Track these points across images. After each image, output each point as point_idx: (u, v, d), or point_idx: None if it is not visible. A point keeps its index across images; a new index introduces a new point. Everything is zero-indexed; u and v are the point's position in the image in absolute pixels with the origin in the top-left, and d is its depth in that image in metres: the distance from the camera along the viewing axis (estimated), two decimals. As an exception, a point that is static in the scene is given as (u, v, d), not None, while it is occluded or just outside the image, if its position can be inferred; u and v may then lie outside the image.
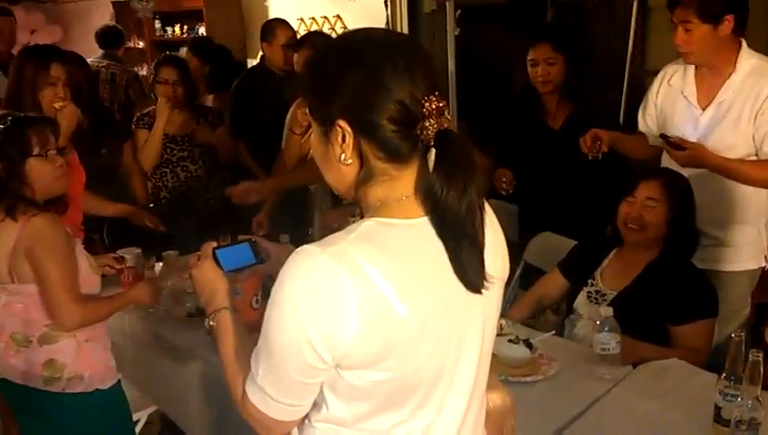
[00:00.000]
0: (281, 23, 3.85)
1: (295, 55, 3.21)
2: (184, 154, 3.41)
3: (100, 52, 4.94)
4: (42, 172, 1.88)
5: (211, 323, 1.16)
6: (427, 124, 0.93)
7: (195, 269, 1.22)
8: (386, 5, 4.79)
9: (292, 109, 2.99)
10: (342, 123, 0.95)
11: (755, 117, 2.24)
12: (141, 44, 6.31)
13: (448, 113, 0.96)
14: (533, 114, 3.01)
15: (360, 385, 0.97)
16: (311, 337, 0.91)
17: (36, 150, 1.86)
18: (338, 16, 5.45)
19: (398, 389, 0.99)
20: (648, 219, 2.16)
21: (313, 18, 5.55)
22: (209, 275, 1.20)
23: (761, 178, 2.28)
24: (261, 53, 3.95)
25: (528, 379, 1.86)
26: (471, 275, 0.98)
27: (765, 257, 2.47)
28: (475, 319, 1.04)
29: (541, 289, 2.46)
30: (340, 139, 0.96)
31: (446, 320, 0.99)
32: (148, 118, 3.38)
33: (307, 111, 1.04)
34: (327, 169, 1.03)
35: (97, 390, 2.00)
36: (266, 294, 1.17)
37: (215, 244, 1.25)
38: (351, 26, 4.93)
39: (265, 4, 5.83)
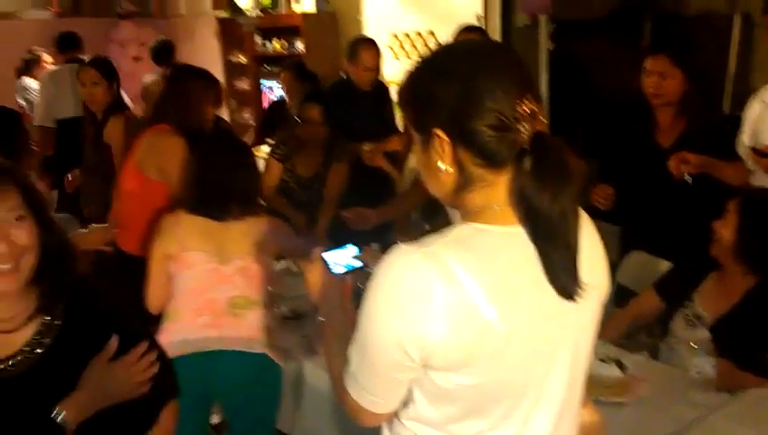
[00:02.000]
0: (366, 46, 3.83)
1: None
2: (303, 199, 3.39)
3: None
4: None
5: (322, 319, 1.25)
6: (522, 128, 0.95)
7: (308, 273, 1.31)
8: (478, 20, 4.81)
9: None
10: (439, 132, 0.99)
11: None
12: (243, 59, 6.59)
13: (543, 116, 0.98)
14: (643, 129, 2.85)
15: (445, 387, 0.99)
16: (399, 334, 0.95)
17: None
18: (431, 32, 5.52)
19: (484, 395, 1.00)
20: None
21: (407, 34, 5.65)
22: (321, 277, 1.29)
23: None
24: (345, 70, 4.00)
25: (618, 399, 1.84)
26: (564, 280, 0.98)
27: None
28: (568, 331, 1.04)
29: (635, 309, 2.42)
30: (438, 147, 1.00)
31: (537, 330, 0.99)
32: (281, 150, 3.42)
33: (406, 121, 1.08)
34: (428, 177, 1.07)
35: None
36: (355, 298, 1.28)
37: (323, 248, 1.34)
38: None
39: (359, 18, 5.98)
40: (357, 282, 1.37)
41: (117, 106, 3.70)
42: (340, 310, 1.23)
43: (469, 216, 1.02)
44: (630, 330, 2.40)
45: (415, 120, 1.05)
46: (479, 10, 4.70)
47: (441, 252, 0.95)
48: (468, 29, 3.45)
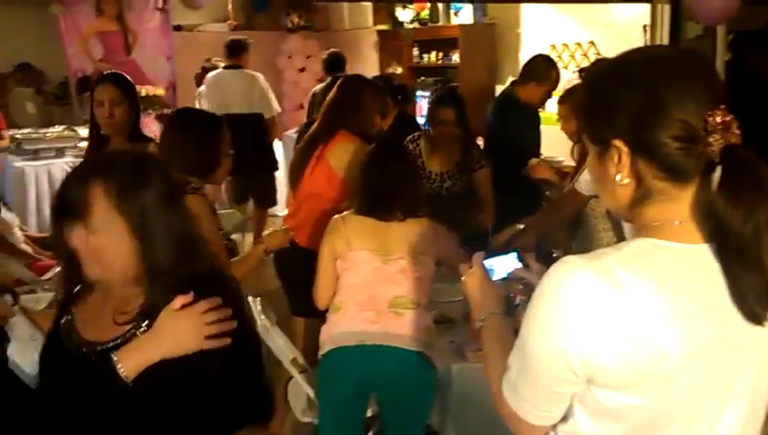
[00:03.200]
0: (557, 70, 3.83)
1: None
2: (435, 195, 3.34)
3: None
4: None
5: (480, 324, 1.24)
6: (712, 140, 0.89)
7: (467, 277, 1.31)
8: (644, 30, 4.61)
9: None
10: (618, 143, 0.94)
11: None
12: (400, 70, 6.77)
13: (737, 128, 0.90)
14: None
15: (610, 405, 0.94)
16: (565, 350, 0.91)
17: None
18: (592, 42, 5.37)
19: (651, 419, 0.94)
20: None
21: (566, 45, 5.54)
22: (480, 283, 1.29)
23: None
24: (514, 81, 3.98)
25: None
26: (753, 303, 0.90)
27: None
28: (751, 361, 0.96)
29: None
30: (615, 159, 0.95)
31: (716, 356, 0.93)
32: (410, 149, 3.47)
33: (583, 133, 1.04)
34: (602, 190, 1.03)
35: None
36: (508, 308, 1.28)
37: (483, 254, 1.34)
38: (606, 53, 4.84)
39: (518, 31, 5.95)
40: (510, 289, 1.38)
41: (140, 135, 3.00)
42: (498, 317, 1.23)
43: (646, 230, 0.96)
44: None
45: (592, 129, 1.01)
46: (646, 20, 4.50)
47: (615, 266, 0.90)
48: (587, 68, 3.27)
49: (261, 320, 2.55)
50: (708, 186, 0.91)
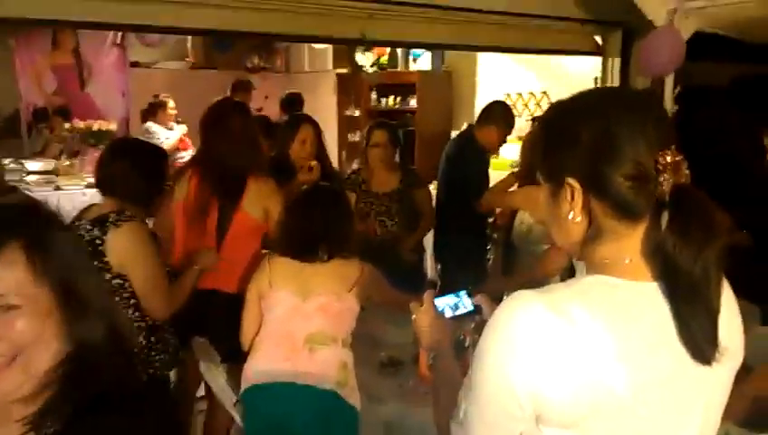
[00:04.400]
0: (513, 117, 3.94)
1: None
2: (382, 209, 3.55)
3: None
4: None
5: (430, 362, 1.23)
6: (662, 179, 0.90)
7: (417, 315, 1.28)
8: (595, 82, 4.75)
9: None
10: (572, 181, 0.94)
11: None
12: (357, 113, 6.82)
13: (686, 168, 0.91)
14: None
15: None
16: (514, 384, 0.89)
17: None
18: (545, 92, 5.52)
19: None
20: None
21: (520, 94, 5.67)
22: (431, 321, 1.27)
23: None
24: (471, 125, 4.04)
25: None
26: (701, 342, 0.90)
27: None
28: (698, 398, 0.95)
29: (757, 385, 2.21)
30: (569, 196, 0.95)
31: (664, 395, 0.92)
32: (351, 180, 3.66)
33: (538, 173, 1.04)
34: (554, 227, 1.02)
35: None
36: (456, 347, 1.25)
37: (434, 291, 1.32)
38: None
39: (474, 79, 6.07)
40: (460, 329, 1.36)
41: None
42: (450, 356, 1.21)
43: (596, 268, 0.96)
44: (755, 411, 2.20)
45: (546, 167, 1.01)
46: (598, 72, 4.63)
47: (567, 301, 0.90)
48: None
49: (203, 361, 2.47)
50: (658, 225, 0.91)
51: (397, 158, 3.66)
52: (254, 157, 2.66)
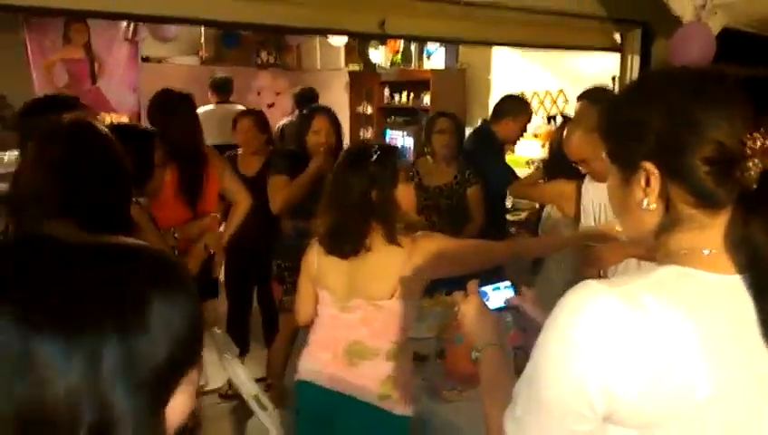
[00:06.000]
0: (530, 107, 3.90)
1: (578, 103, 3.28)
2: (429, 203, 3.46)
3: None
4: (408, 196, 2.02)
5: (477, 355, 1.18)
6: (750, 165, 0.82)
7: (464, 304, 1.24)
8: (613, 81, 4.71)
9: None
10: (648, 165, 0.88)
11: None
12: (369, 110, 6.79)
13: None
14: None
15: None
16: (584, 381, 0.83)
17: (402, 177, 1.99)
18: (561, 90, 5.47)
19: None
20: None
21: (536, 92, 5.63)
22: (477, 312, 1.22)
23: None
24: (486, 120, 4.02)
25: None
26: None
27: None
28: None
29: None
30: (643, 182, 0.89)
31: (744, 394, 0.85)
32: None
33: (603, 154, 0.98)
34: (624, 216, 0.96)
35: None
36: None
37: (477, 281, 1.28)
38: (575, 102, 4.93)
39: (488, 78, 6.03)
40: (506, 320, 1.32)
41: None
42: (497, 348, 1.16)
43: (672, 259, 0.89)
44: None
45: (617, 151, 0.94)
46: (616, 70, 4.59)
47: (640, 292, 0.83)
48: (591, 91, 3.36)
49: (223, 353, 2.44)
50: (744, 215, 0.85)
51: None
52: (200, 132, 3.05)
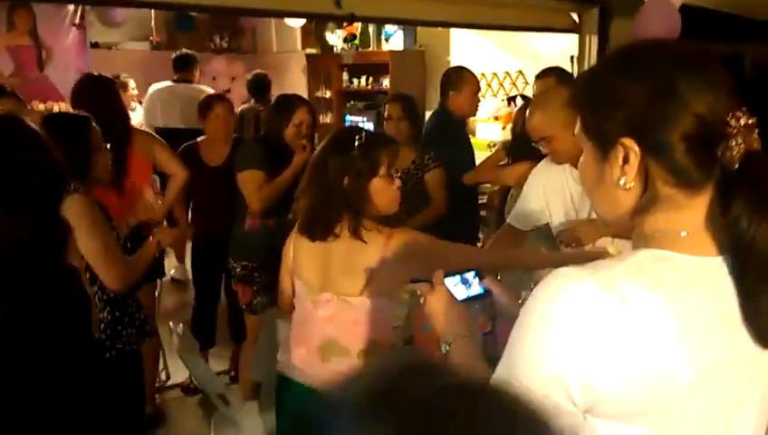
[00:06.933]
0: (470, 73, 3.83)
1: (536, 84, 3.20)
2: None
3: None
4: (385, 193, 1.87)
5: (447, 348, 1.14)
6: (733, 144, 0.79)
7: (430, 297, 1.20)
8: (572, 61, 4.71)
9: None
10: (627, 141, 0.83)
11: None
12: (329, 94, 6.69)
13: (757, 134, 0.81)
14: None
15: None
16: (564, 374, 0.79)
17: (383, 171, 1.85)
18: (520, 71, 5.47)
19: None
20: None
21: (495, 73, 5.62)
22: (446, 303, 1.18)
23: None
24: (442, 101, 3.96)
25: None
26: (765, 323, 0.82)
27: None
28: (756, 386, 0.87)
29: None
30: (620, 159, 0.85)
31: (725, 378, 0.83)
32: None
33: (577, 129, 0.92)
34: (598, 195, 0.91)
35: None
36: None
37: (443, 272, 1.24)
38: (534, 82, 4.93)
39: (447, 59, 5.99)
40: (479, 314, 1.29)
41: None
42: (467, 340, 1.13)
43: (648, 241, 0.86)
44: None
45: (593, 126, 0.89)
46: (574, 51, 4.59)
47: (618, 278, 0.80)
48: (548, 71, 3.34)
49: (184, 348, 2.37)
50: (726, 195, 0.82)
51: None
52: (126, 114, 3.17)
